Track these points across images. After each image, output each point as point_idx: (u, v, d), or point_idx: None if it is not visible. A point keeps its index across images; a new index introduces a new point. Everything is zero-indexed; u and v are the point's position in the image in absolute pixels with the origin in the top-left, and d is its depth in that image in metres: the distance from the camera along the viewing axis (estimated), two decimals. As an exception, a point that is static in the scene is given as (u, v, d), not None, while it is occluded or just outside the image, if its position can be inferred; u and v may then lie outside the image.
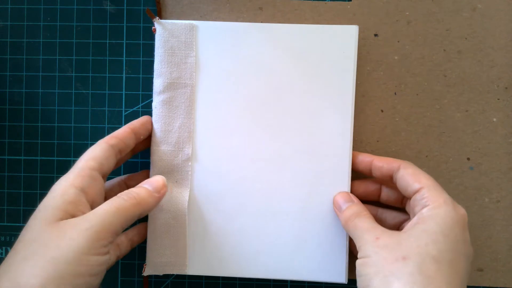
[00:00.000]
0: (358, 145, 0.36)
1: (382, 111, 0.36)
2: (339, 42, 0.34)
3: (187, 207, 0.34)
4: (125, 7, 0.37)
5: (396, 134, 0.36)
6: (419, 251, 0.25)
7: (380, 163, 0.32)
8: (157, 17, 0.34)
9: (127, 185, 0.35)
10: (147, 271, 0.34)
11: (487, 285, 0.36)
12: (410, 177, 0.30)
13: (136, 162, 0.37)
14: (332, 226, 0.34)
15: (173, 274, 0.37)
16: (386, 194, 0.34)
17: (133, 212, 0.28)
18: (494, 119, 0.36)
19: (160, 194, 0.31)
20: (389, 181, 0.32)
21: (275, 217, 0.34)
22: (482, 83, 0.36)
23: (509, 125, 0.36)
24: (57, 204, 0.27)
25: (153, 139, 0.35)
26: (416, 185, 0.29)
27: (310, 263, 0.34)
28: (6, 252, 0.38)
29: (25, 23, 0.38)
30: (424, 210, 0.28)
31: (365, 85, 0.36)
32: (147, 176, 0.35)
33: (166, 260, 0.34)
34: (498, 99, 0.36)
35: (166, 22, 0.34)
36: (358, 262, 0.28)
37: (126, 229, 0.35)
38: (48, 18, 0.38)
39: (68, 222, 0.27)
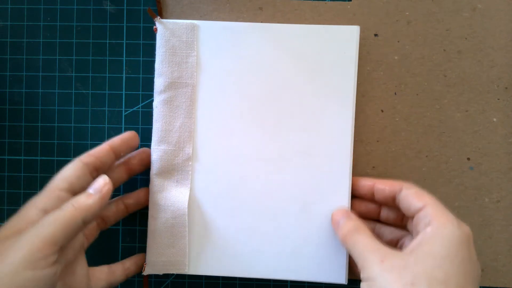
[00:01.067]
0: (358, 145, 0.36)
1: (382, 111, 0.36)
2: (340, 42, 0.34)
3: (188, 206, 0.34)
4: (125, 7, 0.37)
5: (396, 134, 0.36)
6: (426, 276, 0.25)
7: (382, 186, 0.32)
8: (159, 17, 0.34)
9: (124, 204, 0.35)
10: (147, 270, 0.34)
11: (487, 285, 0.36)
12: (413, 196, 0.30)
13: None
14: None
15: (173, 274, 0.37)
16: (386, 213, 0.34)
17: (73, 220, 0.27)
18: (494, 119, 0.36)
19: (102, 194, 0.30)
20: (391, 202, 0.32)
21: (276, 217, 0.34)
22: (482, 83, 0.36)
23: (509, 125, 0.36)
24: (14, 224, 0.28)
25: (153, 138, 0.35)
26: (419, 204, 0.29)
27: (310, 264, 0.34)
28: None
29: (25, 23, 0.38)
30: (428, 229, 0.27)
31: (365, 85, 0.36)
32: (146, 194, 0.35)
33: (166, 259, 0.34)
34: (498, 99, 0.36)
35: (168, 21, 0.34)
36: (363, 285, 0.27)
37: (123, 259, 0.35)
38: (48, 18, 0.38)
39: (10, 239, 0.26)
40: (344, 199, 0.34)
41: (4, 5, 0.38)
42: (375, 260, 0.27)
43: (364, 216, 0.34)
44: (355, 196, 0.35)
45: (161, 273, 0.34)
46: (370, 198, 0.34)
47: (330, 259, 0.34)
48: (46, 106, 0.38)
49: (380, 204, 0.34)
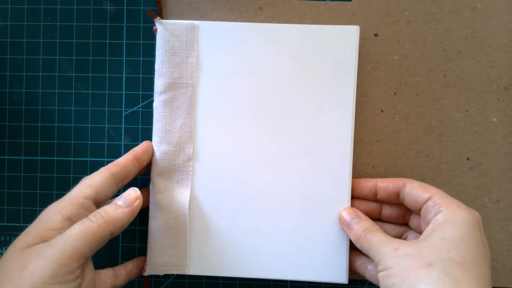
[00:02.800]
0: (358, 145, 0.36)
1: (382, 111, 0.36)
2: (340, 42, 0.34)
3: (188, 207, 0.34)
4: (125, 7, 0.37)
5: (396, 134, 0.36)
6: (442, 257, 0.26)
7: (384, 183, 0.33)
8: (158, 17, 0.34)
9: None
10: (148, 271, 0.34)
11: (487, 285, 0.36)
12: (418, 189, 0.31)
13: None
14: (333, 226, 0.34)
15: (173, 274, 0.37)
16: (388, 211, 0.34)
17: (101, 233, 0.27)
18: (494, 119, 0.36)
19: (132, 208, 0.30)
20: (394, 199, 0.33)
21: (276, 217, 0.34)
22: (482, 83, 0.36)
23: (509, 125, 0.36)
24: (37, 230, 0.27)
25: (154, 139, 0.35)
26: (426, 195, 0.30)
27: (311, 263, 0.34)
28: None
29: (25, 23, 0.38)
30: (439, 216, 0.28)
31: (365, 85, 0.36)
32: (147, 194, 0.35)
33: (167, 260, 0.34)
34: (498, 99, 0.36)
35: (167, 22, 0.34)
36: (380, 274, 0.28)
37: (126, 261, 0.35)
38: (48, 18, 0.37)
39: (34, 249, 0.26)
40: (344, 199, 0.34)
41: (4, 5, 0.38)
42: (390, 251, 0.28)
43: (367, 216, 0.34)
44: (355, 197, 0.35)
45: (161, 273, 0.34)
46: (372, 198, 0.34)
47: (330, 259, 0.34)
48: (46, 106, 0.38)
49: (382, 202, 0.34)
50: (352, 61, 0.34)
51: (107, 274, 0.32)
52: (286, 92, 0.34)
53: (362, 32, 0.36)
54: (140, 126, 0.37)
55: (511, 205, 0.36)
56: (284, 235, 0.34)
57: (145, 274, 0.34)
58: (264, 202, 0.34)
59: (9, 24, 0.38)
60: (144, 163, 0.33)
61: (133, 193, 0.30)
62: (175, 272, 0.34)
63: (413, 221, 0.33)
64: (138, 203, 0.30)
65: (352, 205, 0.34)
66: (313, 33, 0.34)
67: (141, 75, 0.37)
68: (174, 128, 0.34)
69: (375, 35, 0.36)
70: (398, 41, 0.36)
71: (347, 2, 0.36)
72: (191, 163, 0.35)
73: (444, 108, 0.36)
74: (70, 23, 0.37)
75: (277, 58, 0.34)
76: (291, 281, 0.37)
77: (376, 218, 0.35)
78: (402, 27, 0.36)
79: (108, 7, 0.37)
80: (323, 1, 0.36)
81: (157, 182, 0.34)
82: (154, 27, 0.34)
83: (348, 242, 0.34)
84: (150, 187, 0.35)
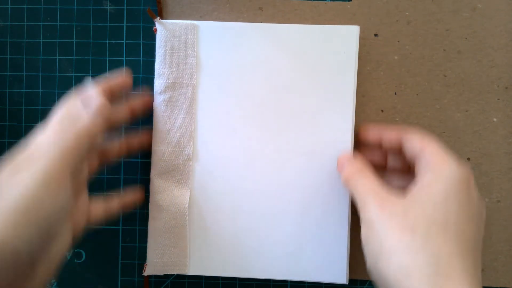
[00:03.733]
0: (359, 145, 0.36)
1: (382, 111, 0.36)
2: (340, 42, 0.34)
3: (188, 207, 0.34)
4: (125, 7, 0.37)
5: (396, 134, 0.36)
6: (426, 220, 0.25)
7: (389, 133, 0.32)
8: (158, 17, 0.34)
9: (127, 143, 0.35)
10: (148, 271, 0.34)
11: (487, 285, 0.36)
12: (416, 142, 0.29)
13: (136, 162, 0.37)
14: (333, 226, 0.34)
15: (173, 274, 0.37)
16: (393, 161, 0.33)
17: (79, 145, 0.27)
18: (494, 119, 0.36)
19: (96, 108, 0.29)
20: (398, 149, 0.32)
21: (276, 217, 0.34)
22: (482, 83, 0.36)
23: (509, 125, 0.36)
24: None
25: (154, 139, 0.35)
26: (420, 147, 0.29)
27: (311, 264, 0.34)
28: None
29: (25, 23, 0.38)
30: (427, 173, 0.27)
31: (365, 85, 0.36)
32: (150, 139, 0.35)
33: (167, 260, 0.34)
34: (498, 99, 0.36)
35: (167, 22, 0.34)
36: (362, 228, 0.27)
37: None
38: (48, 18, 0.37)
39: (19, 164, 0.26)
40: (344, 199, 0.34)
41: (4, 5, 0.38)
42: (375, 205, 0.27)
43: (371, 164, 0.33)
44: (362, 144, 0.34)
45: (161, 273, 0.34)
46: (378, 145, 0.33)
47: (331, 259, 0.34)
48: (46, 106, 0.38)
49: (387, 152, 0.34)
50: (352, 61, 0.34)
51: (98, 203, 0.32)
52: (286, 92, 0.34)
53: (362, 32, 0.36)
54: (140, 126, 0.37)
55: (511, 205, 0.36)
56: (284, 235, 0.34)
57: (145, 274, 0.34)
58: (264, 202, 0.34)
59: (9, 24, 0.38)
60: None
61: (90, 91, 0.30)
62: (175, 272, 0.34)
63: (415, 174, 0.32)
64: (100, 102, 0.29)
65: (358, 154, 0.34)
66: (313, 33, 0.34)
67: (141, 75, 0.37)
68: (174, 128, 0.34)
69: (375, 35, 0.36)
70: (398, 41, 0.36)
71: (347, 2, 0.36)
72: (191, 163, 0.35)
73: (444, 108, 0.36)
74: (70, 23, 0.37)
75: (277, 58, 0.34)
76: (291, 281, 0.37)
77: (382, 167, 0.34)
78: (402, 27, 0.36)
79: (108, 7, 0.37)
80: (323, 1, 0.36)
81: (157, 182, 0.34)
82: (154, 27, 0.34)
83: (348, 243, 0.34)
84: (150, 187, 0.35)
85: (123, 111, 0.33)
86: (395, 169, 0.33)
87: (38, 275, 0.26)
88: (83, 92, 0.30)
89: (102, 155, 0.34)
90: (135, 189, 0.36)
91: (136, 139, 0.35)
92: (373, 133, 0.33)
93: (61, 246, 0.27)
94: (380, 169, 0.34)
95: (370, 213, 0.27)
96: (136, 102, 0.34)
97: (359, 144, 0.34)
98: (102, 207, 0.32)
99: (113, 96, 0.32)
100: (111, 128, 0.32)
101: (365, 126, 0.34)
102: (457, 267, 0.23)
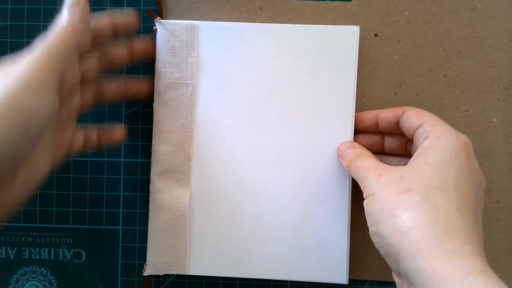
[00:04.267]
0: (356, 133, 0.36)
1: (382, 111, 0.36)
2: (340, 42, 0.34)
3: (188, 207, 0.34)
4: (125, 7, 0.37)
5: (396, 134, 0.36)
6: (423, 182, 0.25)
7: (384, 114, 0.33)
8: (158, 17, 0.34)
9: (125, 83, 0.34)
10: (148, 271, 0.34)
11: (487, 285, 0.36)
12: (413, 116, 0.30)
13: (136, 162, 0.37)
14: (333, 226, 0.34)
15: (173, 274, 0.37)
16: (389, 142, 0.34)
17: (67, 45, 0.27)
18: (494, 119, 0.36)
19: (79, 8, 0.28)
20: (395, 128, 0.32)
21: (276, 218, 0.34)
22: (482, 83, 0.36)
23: (509, 125, 0.36)
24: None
25: (154, 139, 0.35)
26: (418, 121, 0.29)
27: (311, 264, 0.34)
28: (6, 252, 0.38)
29: (25, 23, 0.38)
30: (426, 142, 0.27)
31: (365, 85, 0.36)
32: (149, 87, 0.35)
33: (167, 260, 0.34)
34: (498, 99, 0.36)
35: (167, 22, 0.34)
36: (365, 202, 0.27)
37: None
38: (48, 18, 0.37)
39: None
40: (344, 199, 0.34)
41: (4, 5, 0.38)
42: (374, 177, 0.27)
43: (369, 150, 0.34)
44: (359, 131, 0.34)
45: (161, 273, 0.34)
46: (374, 129, 0.34)
47: (330, 259, 0.34)
48: (46, 106, 0.38)
49: (384, 134, 0.34)
50: (352, 61, 0.34)
51: (78, 134, 0.32)
52: (286, 92, 0.34)
53: (362, 32, 0.36)
54: (140, 126, 0.37)
55: (511, 205, 0.36)
56: (284, 235, 0.34)
57: (145, 274, 0.34)
58: (264, 202, 0.34)
59: (9, 24, 0.38)
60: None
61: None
62: (175, 272, 0.34)
63: (414, 150, 0.32)
64: (81, 4, 0.28)
65: (354, 140, 0.34)
66: (313, 33, 0.34)
67: (141, 75, 0.37)
68: (174, 128, 0.34)
69: (375, 35, 0.36)
70: (398, 41, 0.36)
71: (347, 2, 0.36)
72: (190, 163, 0.35)
73: (444, 108, 0.36)
74: (70, 23, 0.37)
75: (277, 58, 0.34)
76: (291, 281, 0.37)
77: (379, 151, 0.35)
78: (402, 27, 0.36)
79: (108, 7, 0.37)
80: (323, 1, 0.36)
81: (157, 182, 0.34)
82: (154, 27, 0.34)
83: (348, 242, 0.34)
84: (150, 187, 0.35)
85: (122, 50, 0.33)
86: (393, 149, 0.34)
87: (16, 186, 0.25)
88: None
89: (98, 94, 0.33)
90: (119, 124, 0.35)
91: (134, 84, 0.35)
92: (368, 116, 0.34)
93: (41, 164, 0.27)
94: (379, 154, 0.35)
95: (370, 185, 0.27)
96: (138, 44, 0.34)
97: (356, 132, 0.34)
98: (82, 138, 0.32)
99: (115, 32, 0.32)
100: (111, 66, 0.32)
101: (360, 113, 0.34)
102: (456, 225, 0.23)
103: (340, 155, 0.33)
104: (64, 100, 0.29)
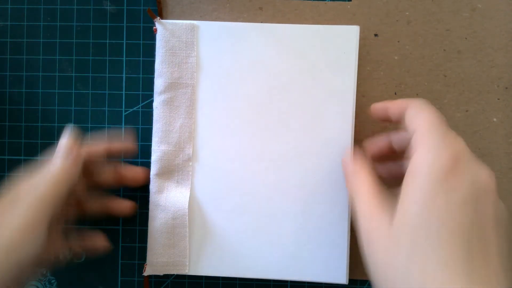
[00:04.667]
0: (359, 145, 0.36)
1: (382, 111, 0.36)
2: (340, 42, 0.34)
3: (188, 207, 0.34)
4: (125, 7, 0.37)
5: (396, 134, 0.36)
6: (410, 238, 0.22)
7: (393, 108, 0.28)
8: (158, 17, 0.34)
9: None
10: (148, 271, 0.34)
11: (487, 285, 0.36)
12: (410, 119, 0.26)
13: (136, 162, 0.37)
14: (333, 226, 0.34)
15: (173, 274, 0.37)
16: (396, 142, 0.31)
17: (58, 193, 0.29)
18: (494, 119, 0.36)
19: (72, 157, 0.30)
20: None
21: (276, 218, 0.34)
22: (482, 83, 0.36)
23: (509, 125, 0.36)
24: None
25: (153, 139, 0.35)
26: (411, 129, 0.25)
27: (311, 264, 0.34)
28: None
29: (25, 23, 0.38)
30: (411, 162, 0.24)
31: (365, 85, 0.36)
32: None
33: (167, 260, 0.34)
34: (498, 99, 0.36)
35: (167, 22, 0.34)
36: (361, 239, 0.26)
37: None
38: (48, 18, 0.38)
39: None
40: (344, 199, 0.34)
41: (4, 5, 0.38)
42: (363, 234, 0.26)
43: (380, 153, 0.32)
44: (374, 120, 0.33)
45: (161, 273, 0.34)
46: (388, 120, 0.30)
47: (330, 259, 0.34)
48: (46, 106, 0.38)
49: (391, 136, 0.31)
50: (352, 61, 0.34)
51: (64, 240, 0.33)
52: (286, 92, 0.34)
53: (362, 32, 0.36)
54: (140, 126, 0.37)
55: (511, 205, 0.36)
56: (284, 235, 0.34)
57: (145, 274, 0.34)
58: (264, 202, 0.34)
59: (9, 24, 0.38)
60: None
61: (64, 141, 0.31)
62: (175, 272, 0.34)
63: None
64: (75, 151, 0.31)
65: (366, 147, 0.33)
66: (313, 33, 0.34)
67: (141, 75, 0.37)
68: (173, 128, 0.34)
69: (375, 35, 0.36)
70: (398, 41, 0.36)
71: (347, 2, 0.36)
72: (190, 163, 0.35)
73: (444, 108, 0.36)
74: (70, 23, 0.37)
75: (277, 58, 0.34)
76: (291, 281, 0.37)
77: (393, 152, 0.32)
78: (402, 27, 0.36)
79: (108, 7, 0.37)
80: (323, 1, 0.36)
81: (157, 182, 0.34)
82: (154, 27, 0.34)
83: (348, 242, 0.34)
84: (150, 187, 0.35)
85: (110, 176, 0.34)
86: (403, 148, 0.30)
87: None
88: (60, 142, 0.31)
89: (80, 208, 0.34)
90: (102, 234, 0.35)
91: (120, 204, 0.35)
92: (379, 109, 0.30)
93: (25, 278, 0.29)
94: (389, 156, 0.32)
95: (360, 235, 0.26)
96: (127, 173, 0.35)
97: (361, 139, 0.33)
98: (68, 248, 0.33)
99: (108, 156, 0.34)
100: (97, 187, 0.34)
101: (373, 106, 0.31)
102: (446, 276, 0.21)
103: (343, 168, 0.33)
104: (51, 226, 0.30)
